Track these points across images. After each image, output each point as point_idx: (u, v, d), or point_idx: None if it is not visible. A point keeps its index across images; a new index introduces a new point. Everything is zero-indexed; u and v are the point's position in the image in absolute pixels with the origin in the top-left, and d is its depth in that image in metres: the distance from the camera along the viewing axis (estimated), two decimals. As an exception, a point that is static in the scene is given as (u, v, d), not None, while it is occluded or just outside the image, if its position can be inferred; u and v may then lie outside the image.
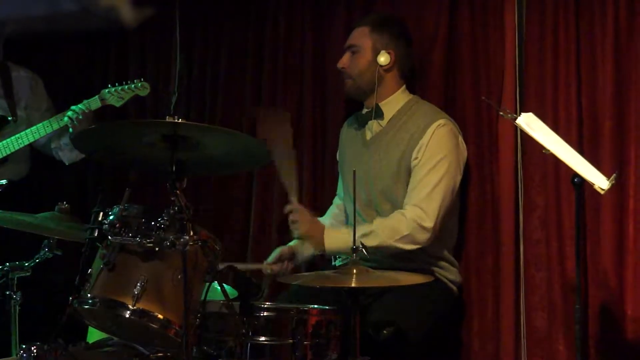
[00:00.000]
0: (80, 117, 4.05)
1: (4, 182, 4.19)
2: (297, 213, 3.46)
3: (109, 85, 4.12)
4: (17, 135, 4.17)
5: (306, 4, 4.23)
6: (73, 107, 4.09)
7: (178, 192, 2.68)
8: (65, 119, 4.08)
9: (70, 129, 4.09)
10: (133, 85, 4.11)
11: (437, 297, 3.46)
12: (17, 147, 4.17)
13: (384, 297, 3.31)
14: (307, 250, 3.57)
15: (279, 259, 3.57)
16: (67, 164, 4.41)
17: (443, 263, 3.54)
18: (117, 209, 2.78)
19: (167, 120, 2.73)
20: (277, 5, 4.30)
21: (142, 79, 4.14)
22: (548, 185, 3.52)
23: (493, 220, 3.66)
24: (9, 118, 4.27)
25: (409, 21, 3.79)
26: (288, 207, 3.49)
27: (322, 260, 3.76)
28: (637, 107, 3.34)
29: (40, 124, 4.14)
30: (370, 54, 3.60)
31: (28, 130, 4.15)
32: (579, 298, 2.88)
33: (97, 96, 4.10)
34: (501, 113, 3.03)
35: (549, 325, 3.50)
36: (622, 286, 3.36)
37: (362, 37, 3.63)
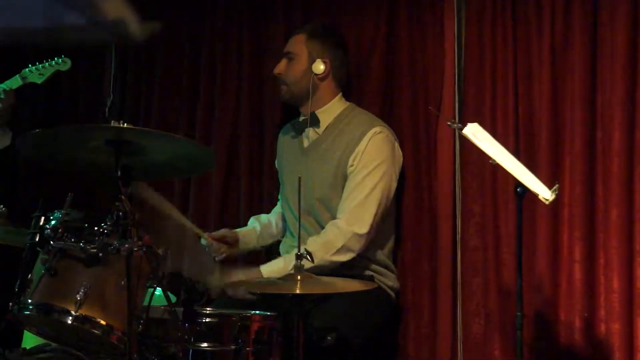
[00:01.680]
0: (2, 96, 4.00)
1: None
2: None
3: (30, 65, 4.08)
4: None
5: (244, 8, 4.19)
6: None
7: (123, 197, 2.65)
8: None
9: None
10: (54, 62, 4.09)
11: (376, 302, 3.47)
12: None
13: (325, 303, 3.31)
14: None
15: (221, 239, 3.57)
16: None
17: (381, 269, 3.55)
18: (59, 214, 2.74)
19: (112, 124, 2.69)
20: (214, 8, 4.26)
21: (62, 56, 4.11)
22: (485, 193, 3.55)
23: (430, 226, 3.68)
24: None
25: (348, 29, 3.81)
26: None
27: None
28: (572, 119, 3.39)
29: None
30: (306, 62, 3.61)
31: None
32: (520, 304, 2.91)
33: (17, 75, 4.06)
34: (448, 123, 3.06)
35: (484, 330, 3.53)
36: (556, 292, 3.41)
37: (298, 44, 3.64)
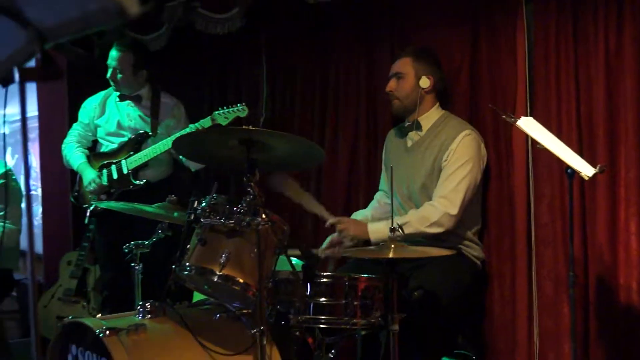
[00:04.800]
0: None
1: (142, 182, 4.34)
2: (341, 224, 3.38)
3: (219, 108, 4.14)
4: (150, 147, 4.28)
5: (361, 44, 4.24)
6: (190, 125, 4.16)
7: (252, 183, 2.73)
8: None
9: None
10: (236, 108, 4.11)
11: (463, 268, 3.42)
12: (150, 157, 4.27)
13: (420, 268, 3.29)
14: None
15: (331, 245, 3.48)
16: (192, 170, 4.51)
17: (468, 242, 3.49)
18: (208, 198, 2.85)
19: (243, 127, 2.79)
20: (339, 47, 4.36)
21: (243, 103, 4.13)
22: (553, 178, 3.42)
23: (509, 208, 3.57)
24: (150, 133, 4.38)
25: (439, 52, 3.75)
26: (330, 222, 3.39)
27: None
28: (625, 114, 3.20)
29: (165, 140, 4.23)
30: (413, 79, 3.57)
31: (156, 145, 4.25)
32: (572, 266, 2.80)
33: (209, 117, 4.13)
34: (503, 116, 2.97)
35: (555, 292, 3.40)
36: (615, 260, 3.23)
37: (405, 65, 3.60)
